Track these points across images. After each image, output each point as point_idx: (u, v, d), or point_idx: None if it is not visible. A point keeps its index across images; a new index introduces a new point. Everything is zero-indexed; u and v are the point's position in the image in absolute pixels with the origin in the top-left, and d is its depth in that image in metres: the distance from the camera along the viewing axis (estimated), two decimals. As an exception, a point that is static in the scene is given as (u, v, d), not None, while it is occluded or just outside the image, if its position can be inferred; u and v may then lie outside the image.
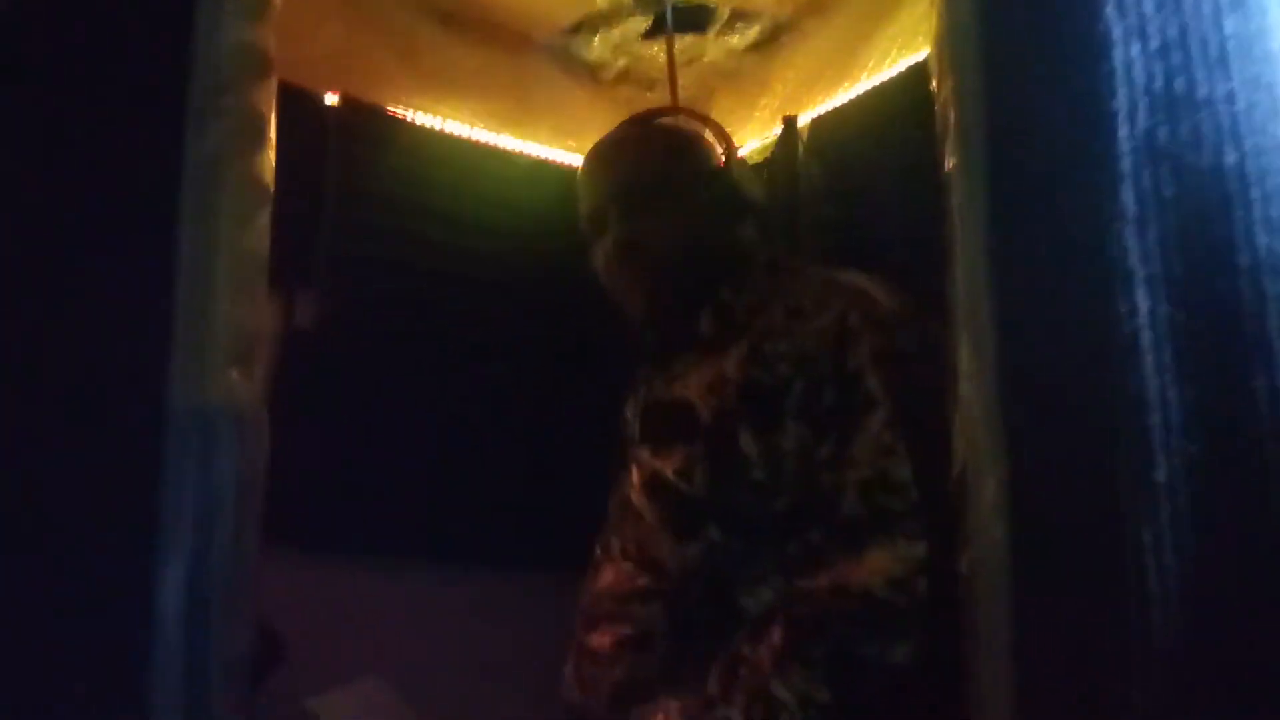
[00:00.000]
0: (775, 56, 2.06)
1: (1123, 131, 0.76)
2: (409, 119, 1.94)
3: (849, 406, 1.19)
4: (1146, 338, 0.70)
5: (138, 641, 0.80)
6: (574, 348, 1.94)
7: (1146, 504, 0.68)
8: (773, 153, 2.00)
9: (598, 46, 2.05)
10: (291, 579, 1.63)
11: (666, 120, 1.61)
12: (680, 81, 2.06)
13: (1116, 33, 0.78)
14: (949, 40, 0.98)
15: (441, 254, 1.88)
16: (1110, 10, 0.79)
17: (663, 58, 2.03)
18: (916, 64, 1.78)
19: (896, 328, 1.24)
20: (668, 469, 1.30)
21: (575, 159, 2.14)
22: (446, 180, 1.91)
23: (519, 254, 1.96)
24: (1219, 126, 0.73)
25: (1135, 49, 0.77)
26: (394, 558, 1.73)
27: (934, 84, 1.08)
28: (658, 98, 2.06)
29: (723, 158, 1.52)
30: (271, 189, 0.96)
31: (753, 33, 2.04)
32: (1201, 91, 0.74)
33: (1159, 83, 0.76)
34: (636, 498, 1.38)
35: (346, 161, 1.83)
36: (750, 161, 2.05)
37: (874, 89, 1.90)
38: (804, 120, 1.99)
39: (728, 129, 2.27)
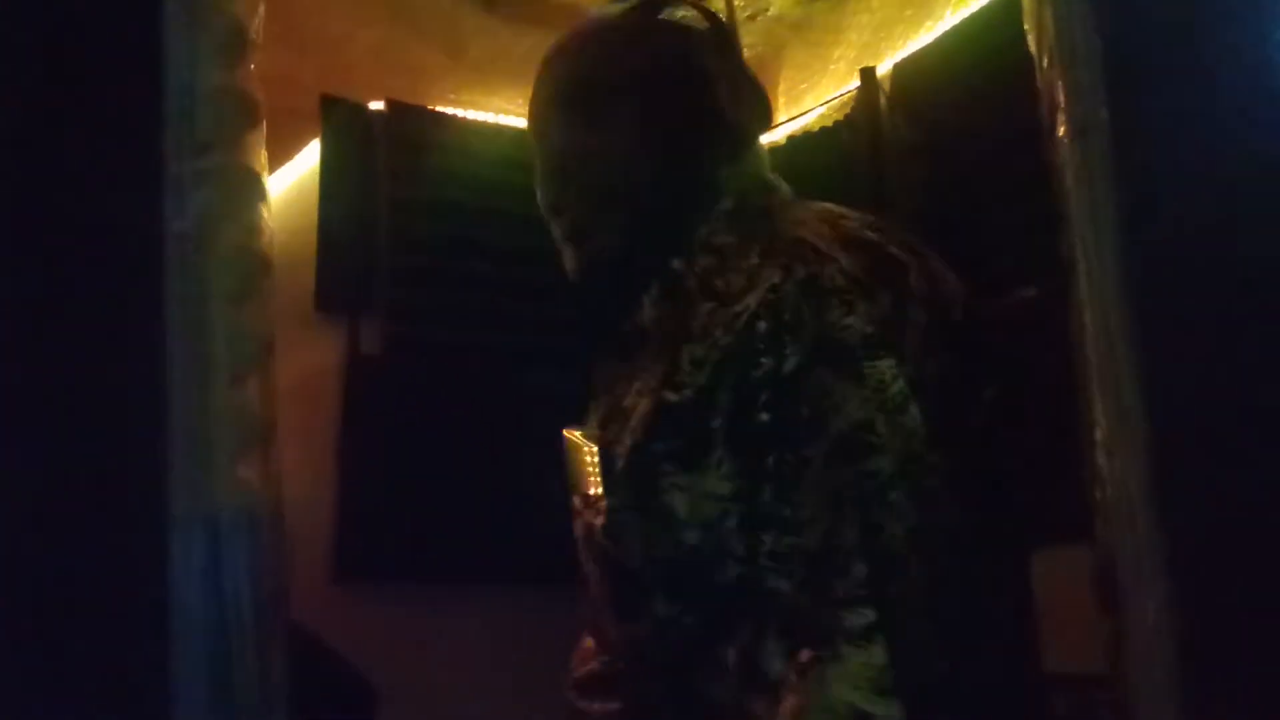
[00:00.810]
0: (847, 1, 1.87)
1: None
2: (459, 116, 1.83)
3: (785, 432, 0.85)
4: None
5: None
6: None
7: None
8: (851, 109, 1.82)
9: (652, 12, 1.89)
10: (369, 609, 1.58)
11: (662, 5, 1.14)
12: (744, 40, 1.89)
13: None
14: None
15: (503, 258, 1.78)
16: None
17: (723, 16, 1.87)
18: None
19: (872, 297, 0.87)
20: (596, 524, 1.01)
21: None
22: (503, 179, 1.79)
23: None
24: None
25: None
26: (469, 582, 1.65)
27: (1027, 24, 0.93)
28: (722, 61, 1.90)
29: (713, 62, 1.08)
30: (269, 257, 0.85)
31: (821, -23, 1.86)
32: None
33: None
34: (582, 558, 1.07)
35: (397, 171, 1.75)
36: (828, 121, 1.88)
37: (962, 25, 1.70)
38: (884, 69, 1.80)
39: (801, 85, 2.14)
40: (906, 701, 0.78)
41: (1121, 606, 0.67)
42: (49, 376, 0.76)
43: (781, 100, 1.96)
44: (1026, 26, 0.95)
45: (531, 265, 1.79)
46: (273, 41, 1.66)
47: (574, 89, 1.05)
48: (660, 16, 1.11)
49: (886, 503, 0.81)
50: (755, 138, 1.09)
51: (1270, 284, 0.67)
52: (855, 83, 1.82)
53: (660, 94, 1.04)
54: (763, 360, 0.86)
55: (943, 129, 1.68)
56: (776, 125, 1.84)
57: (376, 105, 1.77)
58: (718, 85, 1.05)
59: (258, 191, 0.85)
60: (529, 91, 1.89)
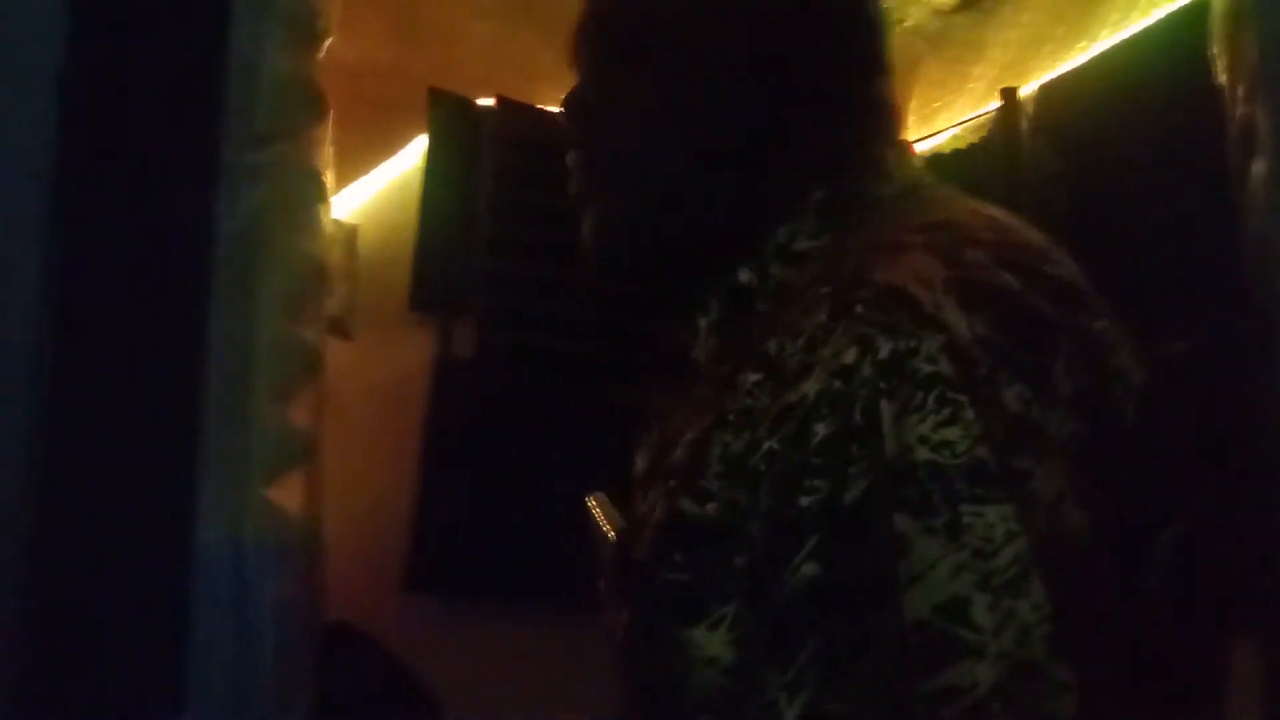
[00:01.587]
0: (993, 14, 1.73)
1: None
2: (570, 118, 1.76)
3: (835, 600, 0.55)
4: None
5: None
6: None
7: None
8: (989, 131, 1.68)
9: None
10: (440, 620, 1.53)
11: None
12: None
13: None
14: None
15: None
16: None
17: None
18: (1180, 11, 1.42)
19: (992, 396, 0.56)
20: (616, 634, 0.73)
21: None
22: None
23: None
24: None
25: None
26: (541, 600, 1.58)
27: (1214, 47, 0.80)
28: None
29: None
30: (325, 263, 0.79)
31: (964, -11, 1.73)
32: None
33: None
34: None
35: (502, 170, 1.69)
36: (962, 143, 1.75)
37: (1122, 46, 1.54)
38: (1027, 90, 1.66)
39: (935, 103, 2.00)
40: None
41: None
42: (83, 379, 0.71)
43: (913, 118, 1.84)
44: (1214, 51, 0.82)
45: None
46: (384, 32, 1.64)
47: (608, 10, 0.80)
48: None
49: None
50: (865, 94, 0.77)
51: None
52: (995, 103, 1.68)
53: (720, 26, 0.75)
54: (816, 483, 0.56)
55: (1091, 160, 1.53)
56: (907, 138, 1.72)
57: (486, 101, 1.71)
58: (806, 22, 0.75)
59: (317, 191, 0.79)
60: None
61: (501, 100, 1.71)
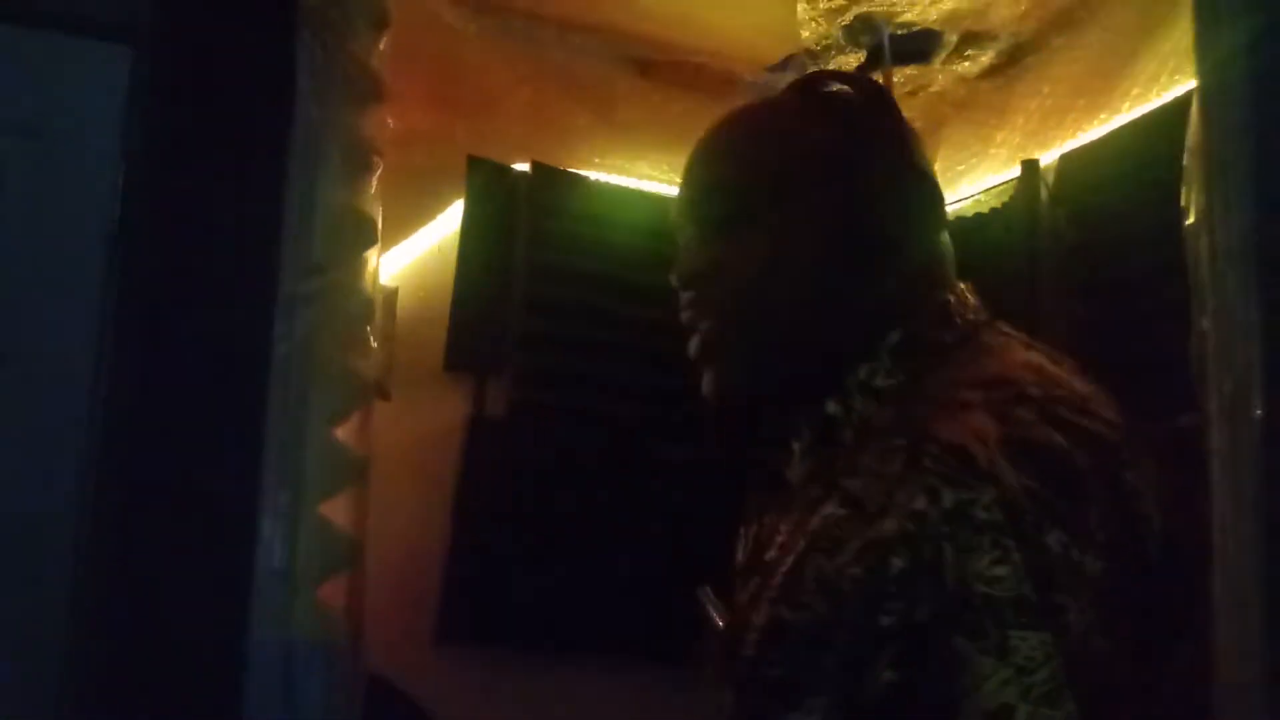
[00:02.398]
0: (1016, 81, 1.78)
1: None
2: (603, 181, 1.82)
3: (905, 700, 0.69)
4: None
5: None
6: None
7: None
8: (1010, 199, 1.72)
9: (808, 84, 1.84)
10: (469, 673, 1.58)
11: (815, 86, 0.97)
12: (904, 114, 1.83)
13: None
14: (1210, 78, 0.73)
15: (633, 328, 1.75)
16: None
17: (883, 92, 1.80)
18: (1189, 93, 1.45)
19: (1037, 540, 0.69)
20: (724, 713, 0.84)
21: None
22: (641, 246, 1.77)
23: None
24: None
25: None
26: (571, 655, 1.63)
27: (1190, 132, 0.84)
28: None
29: (879, 154, 0.91)
30: (373, 381, 0.85)
31: (987, 57, 1.77)
32: None
33: None
34: None
35: (536, 233, 1.75)
36: (984, 207, 1.79)
37: (1138, 121, 1.58)
38: (1048, 159, 1.70)
39: (959, 166, 2.04)
40: None
41: None
42: (144, 501, 0.78)
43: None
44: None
45: (661, 337, 1.77)
46: (425, 100, 1.71)
47: (708, 190, 0.92)
48: (824, 90, 0.95)
49: None
50: (930, 246, 0.90)
51: None
52: (1016, 170, 1.72)
53: (810, 196, 0.88)
54: (893, 605, 0.70)
55: (1108, 231, 1.56)
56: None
57: (521, 166, 1.77)
58: (883, 184, 0.88)
59: (365, 312, 0.85)
60: (676, 157, 1.90)
61: (536, 165, 1.77)
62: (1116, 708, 0.68)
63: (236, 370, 0.80)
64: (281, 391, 0.79)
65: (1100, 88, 1.64)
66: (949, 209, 1.81)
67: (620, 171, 1.84)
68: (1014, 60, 1.76)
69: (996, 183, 1.78)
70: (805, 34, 1.72)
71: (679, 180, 0.96)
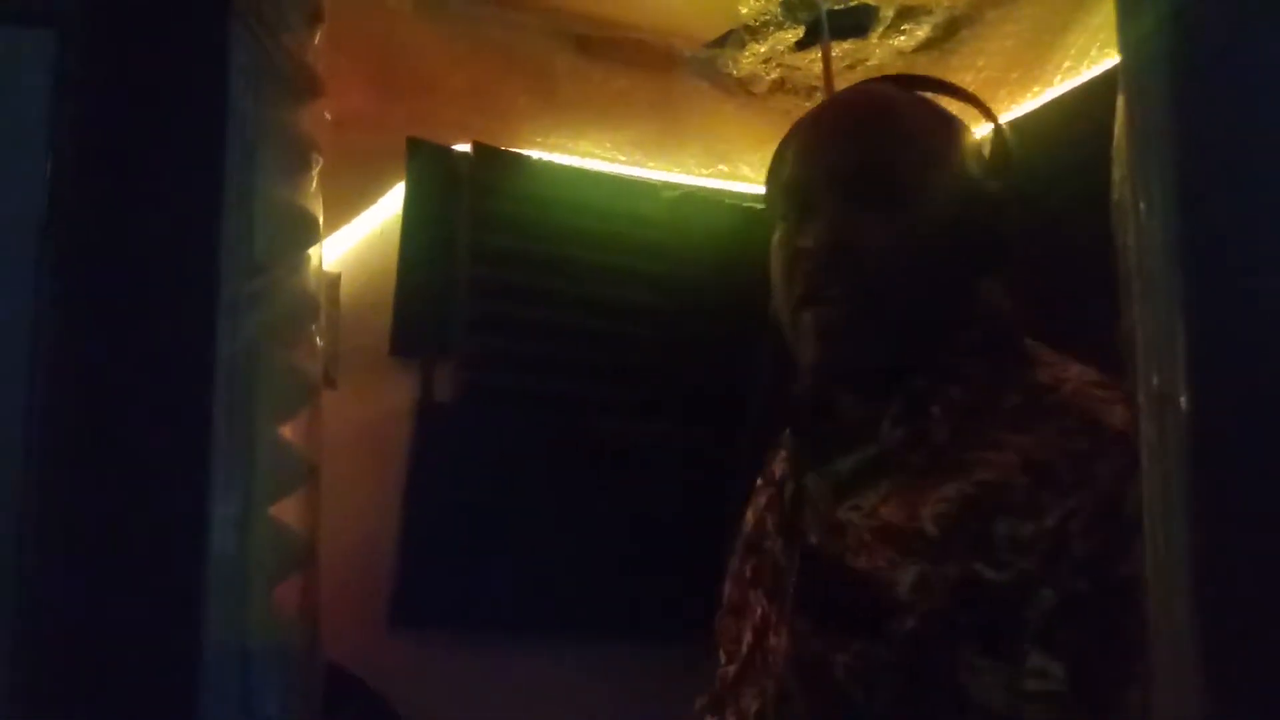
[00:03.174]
0: (952, 55, 1.79)
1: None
2: (545, 160, 1.81)
3: (1114, 642, 0.79)
4: None
5: None
6: (732, 409, 1.78)
7: None
8: (949, 172, 1.74)
9: (747, 60, 1.84)
10: (423, 659, 1.58)
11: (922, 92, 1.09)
12: (840, 89, 1.84)
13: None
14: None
15: (581, 308, 1.76)
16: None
17: (819, 64, 1.81)
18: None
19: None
20: (838, 661, 0.92)
21: (729, 186, 1.97)
22: (586, 227, 1.78)
23: (672, 304, 1.81)
24: None
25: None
26: (527, 637, 1.65)
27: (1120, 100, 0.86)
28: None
29: (993, 165, 1.04)
30: (319, 377, 0.84)
31: (923, 31, 1.78)
32: None
33: None
34: (783, 671, 0.99)
35: (479, 215, 1.74)
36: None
37: (1071, 93, 1.61)
38: (981, 132, 1.72)
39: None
40: None
41: None
42: (87, 498, 0.77)
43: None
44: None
45: (609, 317, 1.78)
46: (362, 82, 1.68)
47: (862, 163, 0.97)
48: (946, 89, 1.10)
49: None
50: (1009, 255, 1.01)
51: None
52: (953, 144, 1.74)
53: (951, 184, 0.98)
54: (1098, 564, 0.80)
55: (1038, 204, 1.59)
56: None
57: (463, 147, 1.76)
58: (990, 184, 1.01)
59: (310, 310, 0.84)
60: (618, 134, 1.90)
61: (477, 145, 1.76)
62: None
63: (179, 374, 0.78)
64: (227, 394, 0.78)
65: (1033, 61, 1.67)
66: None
67: (562, 150, 1.83)
68: (949, 34, 1.77)
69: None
70: (744, 9, 1.72)
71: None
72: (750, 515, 1.17)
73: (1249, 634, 0.49)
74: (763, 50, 1.79)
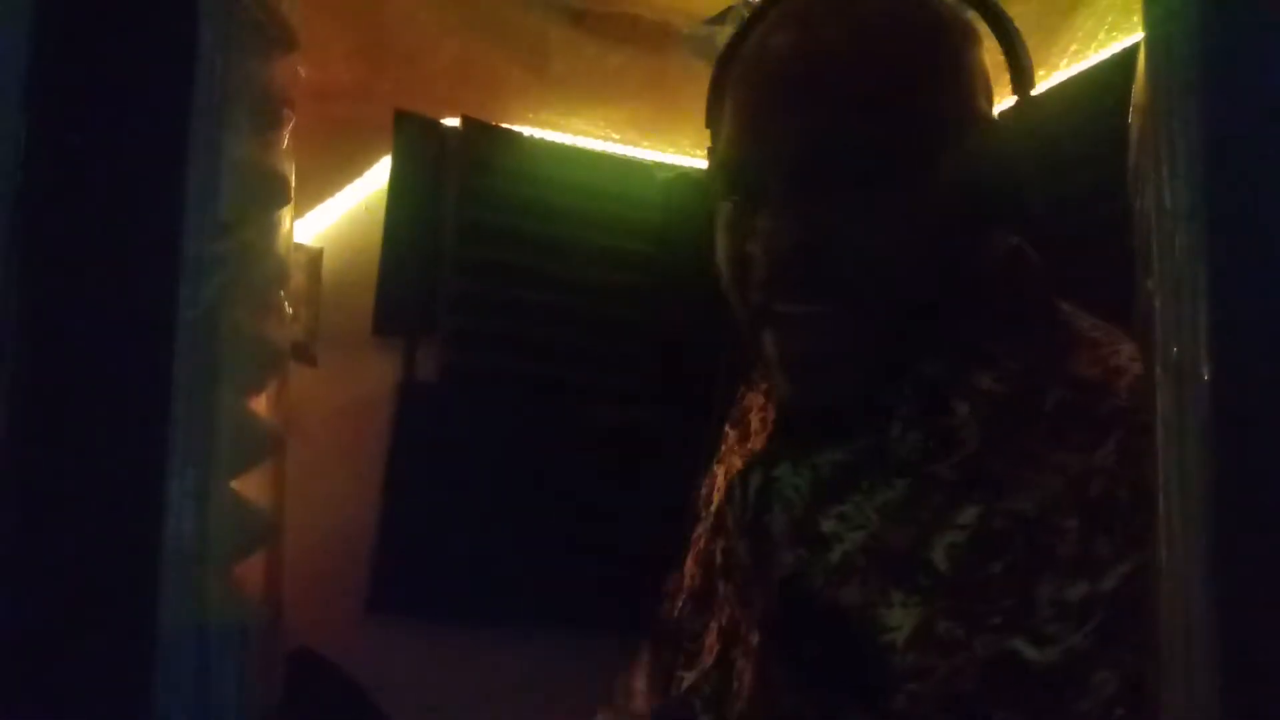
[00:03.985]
0: (956, 38, 1.76)
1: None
2: (536, 137, 1.77)
3: None
4: None
5: None
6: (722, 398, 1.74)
7: None
8: (950, 157, 1.71)
9: (746, 38, 1.80)
10: (402, 644, 1.55)
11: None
12: None
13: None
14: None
15: (570, 289, 1.71)
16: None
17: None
18: (1138, 44, 1.45)
19: None
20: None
21: (723, 167, 1.93)
22: (577, 206, 1.73)
23: (665, 287, 1.76)
24: None
25: None
26: (507, 624, 1.61)
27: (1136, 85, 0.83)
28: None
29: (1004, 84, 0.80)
30: (287, 348, 0.80)
31: (927, 12, 1.74)
32: None
33: None
34: (749, 679, 0.81)
35: (467, 191, 1.69)
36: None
37: (1076, 79, 1.58)
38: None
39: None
40: None
41: None
42: (40, 466, 0.72)
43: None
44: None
45: (599, 299, 1.73)
46: (349, 53, 1.64)
47: (831, 140, 0.73)
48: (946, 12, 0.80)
49: None
50: (1032, 208, 0.79)
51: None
52: (955, 128, 1.71)
53: (959, 146, 0.74)
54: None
55: (1045, 190, 1.55)
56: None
57: (452, 122, 1.71)
58: (1009, 130, 0.78)
59: (279, 275, 0.80)
60: (612, 111, 1.86)
61: (466, 120, 1.71)
62: None
63: (139, 339, 0.74)
64: (188, 361, 0.74)
65: (1038, 44, 1.63)
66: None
67: (554, 127, 1.79)
68: (954, 16, 1.74)
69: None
70: (744, -14, 1.68)
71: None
72: (716, 486, 0.98)
73: (1272, 627, 0.45)
74: (763, 26, 1.75)
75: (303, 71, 0.88)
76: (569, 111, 1.82)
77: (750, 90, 0.78)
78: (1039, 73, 1.70)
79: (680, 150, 1.87)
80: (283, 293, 0.83)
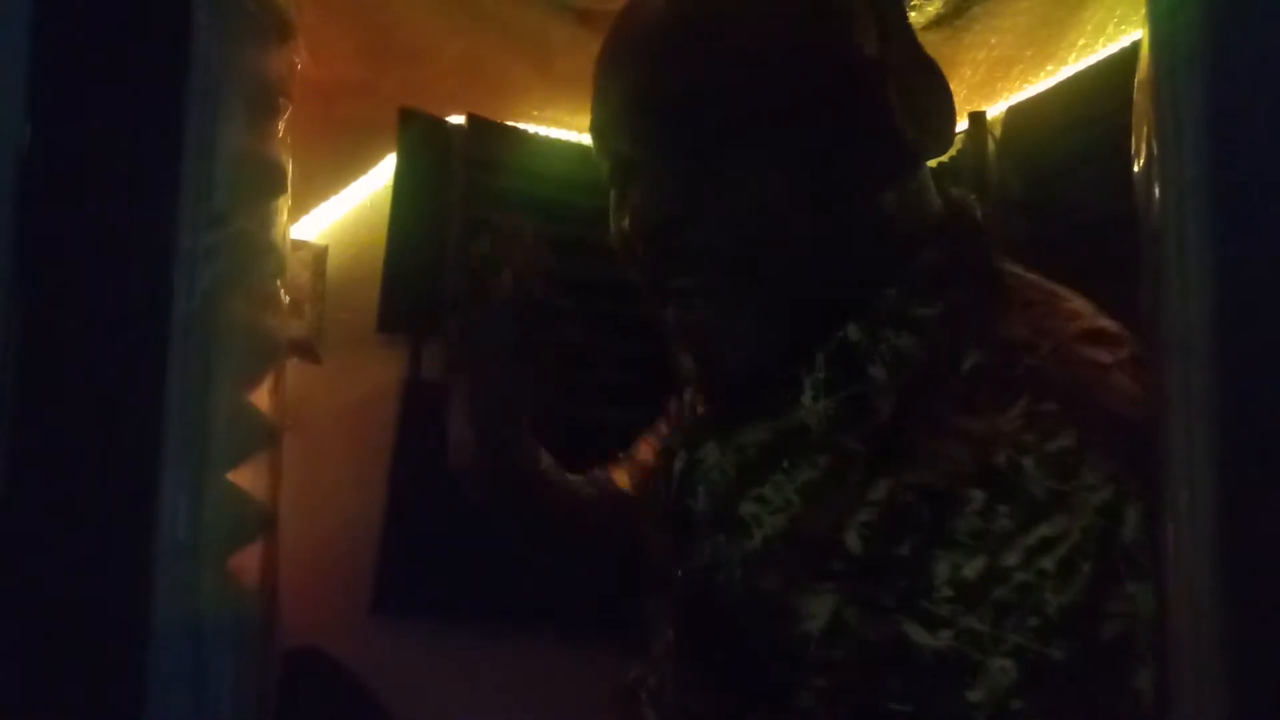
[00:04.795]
0: (964, 32, 1.74)
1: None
2: (541, 134, 1.76)
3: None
4: None
5: None
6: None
7: None
8: (958, 152, 1.70)
9: (752, 35, 1.79)
10: (407, 644, 1.54)
11: None
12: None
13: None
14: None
15: (576, 287, 1.70)
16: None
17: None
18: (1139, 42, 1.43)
19: None
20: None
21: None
22: (582, 203, 1.72)
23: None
24: None
25: None
26: (512, 625, 1.60)
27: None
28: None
29: (875, 40, 0.71)
30: (284, 340, 0.79)
31: (933, 7, 1.73)
32: None
33: None
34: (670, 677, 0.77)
35: (472, 189, 1.69)
36: (934, 161, 1.75)
37: (1085, 72, 1.56)
38: (995, 112, 1.67)
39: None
40: None
41: None
42: (34, 457, 0.72)
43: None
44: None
45: (604, 297, 1.72)
46: (354, 51, 1.63)
47: (694, 101, 0.67)
48: None
49: None
50: (939, 139, 0.72)
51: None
52: (963, 123, 1.70)
53: (836, 96, 0.68)
54: (1072, 626, 0.55)
55: (1055, 184, 1.54)
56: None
57: (456, 119, 1.71)
58: (911, 74, 0.70)
59: (276, 266, 0.79)
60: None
61: (471, 118, 1.71)
62: None
63: (133, 330, 0.74)
64: (183, 352, 0.73)
65: (1047, 38, 1.61)
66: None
67: (559, 125, 1.78)
68: (961, 10, 1.72)
69: (943, 137, 1.75)
70: (749, -18, 1.67)
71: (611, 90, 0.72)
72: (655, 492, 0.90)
73: (1281, 612, 0.44)
74: (768, 24, 1.74)
75: (299, 61, 0.87)
76: (573, 109, 1.81)
77: (602, 64, 0.74)
78: (1047, 67, 1.70)
79: (686, 148, 1.87)
80: (280, 284, 0.82)
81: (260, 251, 0.79)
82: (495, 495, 1.01)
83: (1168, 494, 0.44)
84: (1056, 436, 0.58)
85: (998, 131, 1.66)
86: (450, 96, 1.72)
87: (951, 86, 1.86)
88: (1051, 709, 0.55)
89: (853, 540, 0.62)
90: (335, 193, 1.62)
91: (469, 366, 0.92)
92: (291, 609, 1.34)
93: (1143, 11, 1.52)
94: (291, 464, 1.32)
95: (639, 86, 0.70)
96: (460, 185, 1.68)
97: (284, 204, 0.83)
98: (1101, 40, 1.54)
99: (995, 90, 1.68)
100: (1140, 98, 0.80)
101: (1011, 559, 0.56)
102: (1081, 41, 1.57)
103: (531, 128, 1.76)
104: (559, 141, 1.77)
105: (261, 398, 0.81)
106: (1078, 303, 0.70)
